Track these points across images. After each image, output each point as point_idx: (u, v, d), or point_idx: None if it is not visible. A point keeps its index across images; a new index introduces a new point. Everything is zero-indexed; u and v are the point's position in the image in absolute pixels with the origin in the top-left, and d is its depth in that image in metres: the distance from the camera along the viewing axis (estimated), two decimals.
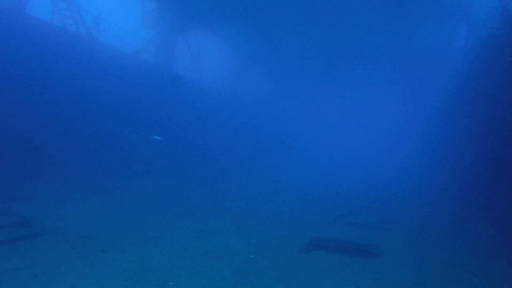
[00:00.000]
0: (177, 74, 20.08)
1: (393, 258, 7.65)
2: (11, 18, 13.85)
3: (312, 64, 33.12)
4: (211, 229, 9.29)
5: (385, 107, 39.44)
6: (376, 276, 6.40)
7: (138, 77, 19.76)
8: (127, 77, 19.00)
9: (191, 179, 18.17)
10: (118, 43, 21.07)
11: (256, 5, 23.56)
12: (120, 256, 6.48)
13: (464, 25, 23.04)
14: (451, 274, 6.64)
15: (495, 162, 10.68)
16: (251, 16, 25.37)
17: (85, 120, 16.04)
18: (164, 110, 20.69)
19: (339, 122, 41.86)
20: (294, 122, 36.90)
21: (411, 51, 28.40)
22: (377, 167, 31.55)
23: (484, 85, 13.28)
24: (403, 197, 17.80)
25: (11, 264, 5.56)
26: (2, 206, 8.64)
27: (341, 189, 20.82)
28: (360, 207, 14.68)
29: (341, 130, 41.07)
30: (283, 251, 7.94)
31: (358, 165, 33.11)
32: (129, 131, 18.39)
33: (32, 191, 10.93)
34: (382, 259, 7.56)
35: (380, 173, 29.05)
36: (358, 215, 13.10)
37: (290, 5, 23.50)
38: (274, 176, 24.73)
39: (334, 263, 7.20)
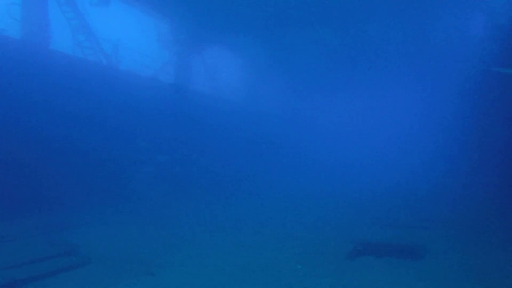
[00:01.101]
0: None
1: (441, 258, 7.44)
2: (35, 54, 14.33)
3: (325, 64, 32.80)
4: (249, 242, 9.21)
5: (406, 102, 38.60)
6: (429, 278, 6.22)
7: (159, 99, 20.12)
8: (148, 101, 19.36)
9: (216, 190, 18.28)
10: (137, 68, 21.55)
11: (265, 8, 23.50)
12: (169, 277, 6.48)
13: (481, 13, 22.47)
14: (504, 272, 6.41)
15: None
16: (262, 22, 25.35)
17: (113, 144, 16.38)
18: (188, 130, 20.95)
19: (360, 120, 41.06)
20: (311, 122, 36.55)
21: (426, 44, 27.78)
22: (405, 165, 30.89)
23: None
24: (437, 195, 17.36)
25: None
26: (47, 237, 8.82)
27: (371, 188, 20.47)
28: (395, 207, 14.38)
29: (364, 128, 40.28)
30: (329, 259, 7.81)
31: (384, 164, 32.50)
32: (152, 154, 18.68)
33: (69, 220, 11.16)
34: (430, 261, 7.37)
35: (408, 171, 28.43)
36: (395, 215, 12.83)
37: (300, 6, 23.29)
38: (299, 179, 24.60)
39: (384, 268, 7.04)
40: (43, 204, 12.55)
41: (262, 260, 7.69)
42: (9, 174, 12.24)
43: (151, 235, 9.73)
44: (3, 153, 12.22)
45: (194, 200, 16.09)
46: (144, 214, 12.70)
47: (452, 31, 25.38)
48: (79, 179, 14.44)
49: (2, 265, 6.75)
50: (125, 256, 7.73)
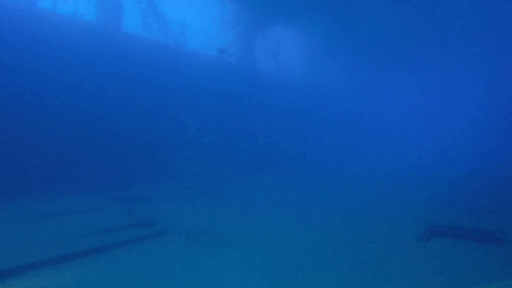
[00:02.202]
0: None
1: None
2: (109, 35, 15.02)
3: (395, 55, 31.23)
4: (319, 221, 9.15)
5: (478, 88, 35.90)
6: (509, 264, 5.77)
7: (223, 78, 20.34)
8: (214, 80, 19.65)
9: (287, 171, 18.27)
10: (203, 48, 21.91)
11: None
12: (241, 250, 6.61)
13: None
14: None
15: None
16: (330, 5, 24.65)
17: (183, 123, 16.89)
18: (252, 106, 21.04)
19: (440, 107, 38.83)
20: (387, 106, 35.24)
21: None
22: (481, 149, 29.01)
23: None
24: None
25: (145, 262, 5.93)
26: (128, 208, 9.36)
27: (446, 172, 19.48)
28: (472, 191, 13.54)
29: (442, 115, 38.18)
30: (401, 239, 7.55)
31: (461, 148, 30.81)
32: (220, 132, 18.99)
33: (150, 193, 11.76)
34: (510, 245, 6.85)
35: (485, 156, 26.67)
36: (472, 199, 12.08)
37: None
38: (372, 161, 23.96)
39: (460, 250, 6.66)
40: (121, 179, 13.34)
41: (332, 238, 7.60)
42: (93, 154, 13.12)
43: (220, 210, 9.98)
44: (91, 137, 13.11)
45: (263, 178, 16.26)
46: (214, 190, 13.06)
47: None
48: (153, 156, 15.13)
49: (89, 231, 7.26)
50: (197, 228, 7.98)
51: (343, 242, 7.33)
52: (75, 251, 6.09)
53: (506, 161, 22.30)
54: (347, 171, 21.13)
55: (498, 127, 30.63)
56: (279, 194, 12.89)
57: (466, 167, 21.70)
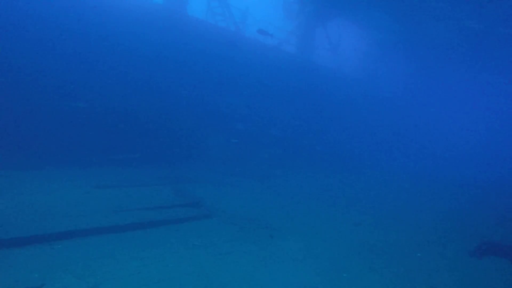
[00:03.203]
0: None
1: None
2: (175, 19, 15.30)
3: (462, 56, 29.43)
4: (367, 222, 8.83)
5: None
6: None
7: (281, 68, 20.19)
8: (271, 69, 19.56)
9: (338, 168, 17.96)
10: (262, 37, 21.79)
11: None
12: (287, 242, 6.49)
13: None
14: None
15: None
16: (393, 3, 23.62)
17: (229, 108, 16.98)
18: (307, 97, 20.79)
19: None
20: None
21: None
22: None
23: None
24: None
25: (194, 241, 5.95)
26: (175, 187, 9.53)
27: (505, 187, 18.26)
28: None
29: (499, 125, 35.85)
30: (451, 252, 7.15)
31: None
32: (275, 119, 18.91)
33: (198, 175, 11.94)
34: None
35: None
36: None
37: None
38: (424, 167, 23.05)
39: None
40: (171, 158, 13.66)
41: (378, 240, 7.31)
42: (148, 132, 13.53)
43: (267, 199, 9.90)
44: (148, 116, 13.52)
45: (310, 173, 16.06)
46: (262, 179, 13.03)
47: None
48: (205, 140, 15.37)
49: (140, 205, 7.44)
50: (244, 215, 7.94)
51: (390, 246, 7.03)
52: (125, 223, 6.24)
53: None
54: (399, 171, 20.42)
55: None
56: (327, 190, 12.61)
57: None
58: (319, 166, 18.07)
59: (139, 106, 13.36)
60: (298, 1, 24.27)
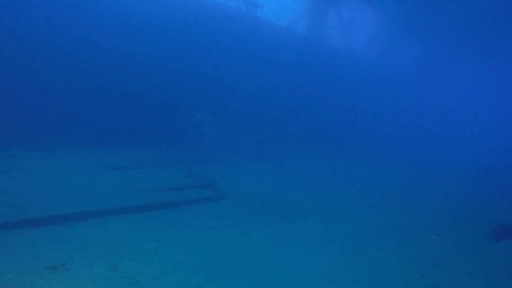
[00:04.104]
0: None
1: None
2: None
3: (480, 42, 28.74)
4: (380, 204, 8.79)
5: None
6: None
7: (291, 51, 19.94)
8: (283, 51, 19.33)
9: (353, 153, 17.91)
10: (273, 17, 21.50)
11: None
12: (301, 224, 6.46)
13: None
14: None
15: None
16: None
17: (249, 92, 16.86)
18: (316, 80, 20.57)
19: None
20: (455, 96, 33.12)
21: None
22: None
23: None
24: None
25: (206, 223, 5.94)
26: (189, 168, 9.53)
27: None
28: None
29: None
30: (467, 235, 7.13)
31: None
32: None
33: (211, 157, 11.96)
34: None
35: None
36: None
37: None
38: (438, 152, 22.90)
39: None
40: (186, 140, 13.68)
41: (392, 223, 7.29)
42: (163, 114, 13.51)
43: (280, 182, 9.87)
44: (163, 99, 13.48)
45: (323, 155, 16.02)
46: (275, 161, 13.00)
47: None
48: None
49: (154, 186, 7.45)
50: (257, 197, 7.92)
51: (406, 229, 7.00)
52: (139, 204, 6.26)
53: None
54: (413, 157, 20.29)
55: None
56: (341, 172, 12.56)
57: None
58: (333, 149, 18.02)
59: (149, 85, 13.28)
60: None
